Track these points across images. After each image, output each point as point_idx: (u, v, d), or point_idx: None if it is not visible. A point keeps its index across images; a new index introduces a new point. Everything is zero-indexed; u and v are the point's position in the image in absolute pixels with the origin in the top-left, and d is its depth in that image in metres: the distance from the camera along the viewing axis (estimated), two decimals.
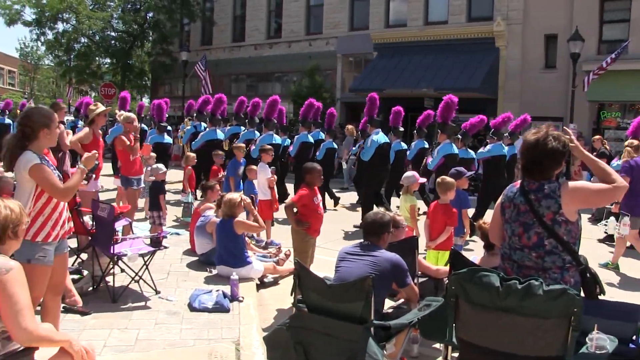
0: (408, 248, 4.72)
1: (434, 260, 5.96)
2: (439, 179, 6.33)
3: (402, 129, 11.65)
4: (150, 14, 28.91)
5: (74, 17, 28.03)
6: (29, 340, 2.70)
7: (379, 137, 10.03)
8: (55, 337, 2.85)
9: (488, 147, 10.44)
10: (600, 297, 3.26)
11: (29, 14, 28.39)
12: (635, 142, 8.32)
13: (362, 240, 4.24)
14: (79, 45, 29.40)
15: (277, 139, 11.56)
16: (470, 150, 10.56)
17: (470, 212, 7.05)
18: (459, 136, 10.53)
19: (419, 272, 4.84)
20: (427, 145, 11.74)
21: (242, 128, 12.39)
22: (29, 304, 2.73)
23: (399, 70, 19.80)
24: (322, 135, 12.50)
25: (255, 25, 26.25)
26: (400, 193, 7.51)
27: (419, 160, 11.33)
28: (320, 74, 22.82)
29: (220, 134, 12.20)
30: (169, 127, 13.92)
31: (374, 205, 9.04)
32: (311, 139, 11.97)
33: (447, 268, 4.32)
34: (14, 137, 3.84)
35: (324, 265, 5.83)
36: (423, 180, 7.62)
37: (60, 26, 28.95)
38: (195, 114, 14.22)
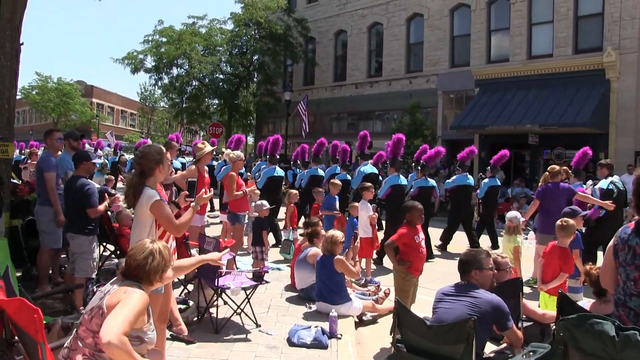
0: (512, 290, 4.53)
1: (542, 302, 5.65)
2: (563, 222, 5.94)
3: (400, 159, 12.33)
4: (256, 57, 30.31)
5: (187, 62, 30.02)
6: (112, 339, 2.62)
7: (367, 168, 11.56)
8: (133, 355, 2.73)
9: (453, 177, 11.90)
10: None
11: (149, 62, 30.95)
12: (557, 167, 8.77)
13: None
14: (190, 88, 31.33)
15: (280, 171, 12.53)
16: (430, 180, 11.19)
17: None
18: (419, 167, 11.50)
19: (524, 316, 4.62)
20: (499, 183, 12.68)
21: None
22: (129, 323, 2.76)
23: (502, 106, 19.28)
24: (338, 169, 13.39)
25: (356, 64, 26.76)
26: (502, 234, 7.25)
27: (491, 197, 12.24)
28: (421, 112, 22.69)
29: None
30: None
31: None
32: (321, 172, 13.45)
33: (554, 313, 4.09)
34: (136, 175, 4.15)
35: (424, 305, 5.72)
36: (523, 219, 7.31)
37: (174, 71, 31.18)
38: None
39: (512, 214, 7.26)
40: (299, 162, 15.47)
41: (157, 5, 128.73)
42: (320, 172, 13.48)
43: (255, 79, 31.74)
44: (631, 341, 2.52)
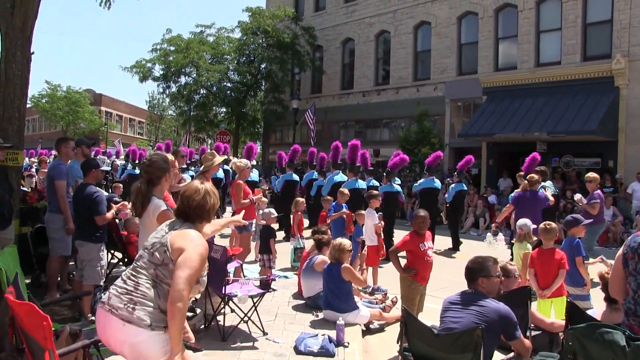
0: (520, 299, 4.50)
1: (548, 309, 5.62)
2: (546, 225, 5.97)
3: (357, 165, 13.18)
4: (263, 65, 30.38)
5: (195, 70, 30.17)
6: (176, 299, 2.89)
7: (338, 176, 12.64)
8: (183, 323, 2.99)
9: (421, 180, 12.76)
10: None
11: (157, 70, 31.15)
12: (535, 176, 9.51)
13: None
14: (198, 96, 31.44)
15: (254, 177, 13.46)
16: (396, 185, 12.13)
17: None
18: (384, 173, 12.38)
19: (532, 325, 4.59)
20: (465, 188, 13.70)
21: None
22: (194, 280, 3.01)
23: (509, 114, 19.22)
24: (316, 175, 14.80)
25: (364, 72, 26.80)
26: (514, 241, 7.23)
27: (458, 201, 13.34)
28: (429, 120, 22.67)
29: (221, 174, 14.37)
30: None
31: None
32: (296, 177, 14.77)
33: (563, 322, 4.06)
34: (143, 183, 4.16)
35: (432, 313, 5.69)
36: (534, 226, 7.30)
37: (182, 79, 31.32)
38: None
39: (522, 221, 7.24)
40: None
41: (166, 14, 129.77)
42: (295, 177, 14.65)
43: (262, 87, 31.82)
44: None
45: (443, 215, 14.40)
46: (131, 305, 2.98)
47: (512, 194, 9.54)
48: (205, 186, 3.35)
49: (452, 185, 13.22)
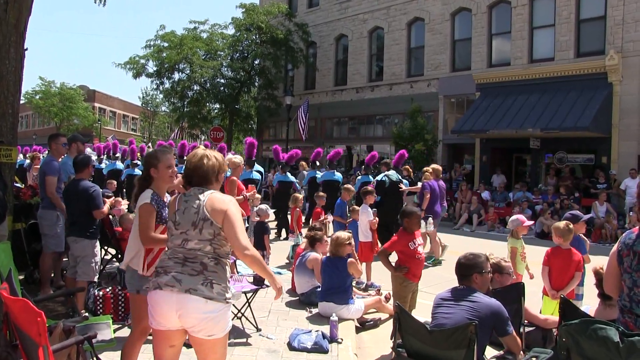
0: (514, 295, 4.52)
1: (552, 310, 5.62)
2: (569, 226, 5.87)
3: (253, 159, 14.27)
4: (257, 61, 30.26)
5: (188, 67, 30.02)
6: (244, 250, 3.20)
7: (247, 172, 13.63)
8: (262, 264, 3.31)
9: (322, 173, 15.11)
10: None
11: (151, 66, 30.98)
12: (432, 168, 11.34)
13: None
14: (191, 92, 31.26)
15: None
16: (290, 175, 14.53)
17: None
18: (280, 166, 14.98)
19: (526, 321, 4.60)
20: (371, 179, 15.00)
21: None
22: (243, 227, 3.29)
23: (503, 110, 19.24)
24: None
25: (357, 69, 26.77)
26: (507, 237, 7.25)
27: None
28: (422, 116, 22.66)
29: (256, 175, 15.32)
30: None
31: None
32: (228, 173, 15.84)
33: (557, 318, 4.08)
34: (142, 177, 4.16)
35: (425, 310, 5.70)
36: (530, 223, 7.30)
37: (176, 76, 31.14)
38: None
39: (512, 217, 7.25)
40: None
41: (159, 10, 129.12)
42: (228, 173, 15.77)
43: (256, 84, 31.71)
44: (637, 348, 2.48)
45: None
46: (208, 283, 3.19)
47: (425, 183, 10.85)
48: (206, 151, 3.54)
49: (359, 177, 14.51)
